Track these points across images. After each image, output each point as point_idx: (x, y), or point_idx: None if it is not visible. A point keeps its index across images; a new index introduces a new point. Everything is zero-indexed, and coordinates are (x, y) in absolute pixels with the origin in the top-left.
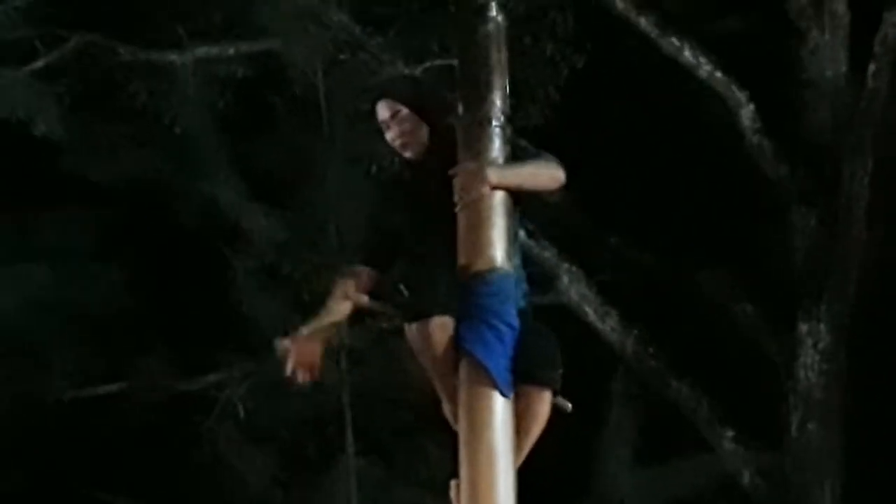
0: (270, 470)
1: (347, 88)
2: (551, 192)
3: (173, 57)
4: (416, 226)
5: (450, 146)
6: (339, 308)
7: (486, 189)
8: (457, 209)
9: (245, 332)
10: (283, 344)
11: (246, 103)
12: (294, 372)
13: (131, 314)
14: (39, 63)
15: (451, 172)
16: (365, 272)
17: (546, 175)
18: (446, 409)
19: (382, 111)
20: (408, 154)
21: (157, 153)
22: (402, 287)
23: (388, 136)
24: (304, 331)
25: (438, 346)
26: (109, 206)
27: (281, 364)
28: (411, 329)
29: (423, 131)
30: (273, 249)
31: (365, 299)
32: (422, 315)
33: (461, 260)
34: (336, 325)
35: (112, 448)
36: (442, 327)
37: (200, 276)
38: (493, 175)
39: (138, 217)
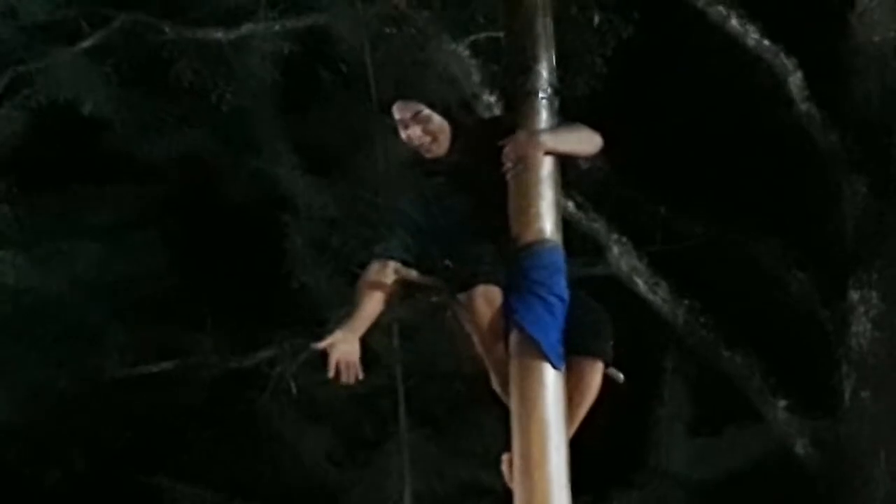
0: (324, 446)
1: (395, 63)
2: (588, 158)
3: (219, 34)
4: (455, 206)
5: (475, 140)
6: (373, 301)
7: (540, 155)
8: (509, 176)
9: (297, 307)
10: (321, 345)
11: (293, 79)
12: (337, 372)
13: (183, 292)
14: (86, 43)
15: (502, 142)
16: (393, 263)
17: (589, 140)
18: (494, 381)
19: (402, 111)
20: (428, 154)
21: (205, 131)
22: (447, 261)
23: (406, 134)
24: (341, 330)
25: (483, 316)
26: (159, 184)
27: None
28: (457, 300)
29: (447, 130)
30: (324, 224)
31: (414, 274)
32: (466, 286)
33: (510, 232)
34: (373, 318)
35: (165, 426)
36: (486, 297)
37: (251, 252)
38: (547, 140)
39: (188, 194)
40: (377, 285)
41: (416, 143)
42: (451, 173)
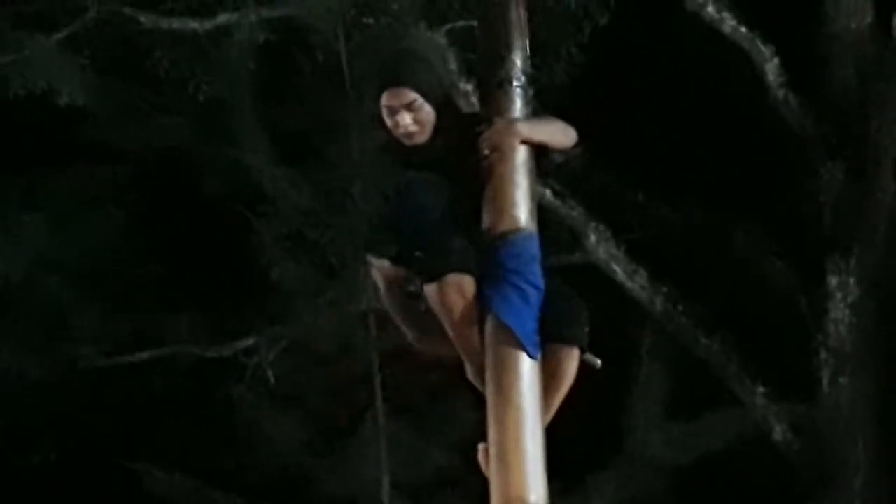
0: (301, 435)
1: (370, 52)
2: (566, 151)
3: (195, 24)
4: (429, 195)
5: (455, 131)
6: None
7: (517, 142)
8: (485, 164)
9: (273, 297)
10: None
11: (269, 69)
12: None
13: (159, 281)
14: (62, 34)
15: (479, 129)
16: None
17: (565, 133)
18: (469, 370)
19: (394, 98)
20: (410, 142)
21: (181, 121)
22: (417, 252)
23: (394, 121)
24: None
25: (456, 305)
26: (136, 174)
27: None
28: (428, 290)
29: (433, 120)
30: (299, 214)
31: (385, 264)
32: (437, 275)
33: (485, 222)
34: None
35: (142, 416)
36: (457, 286)
37: (227, 242)
38: (524, 128)
39: (164, 184)
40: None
41: (402, 131)
42: (427, 163)
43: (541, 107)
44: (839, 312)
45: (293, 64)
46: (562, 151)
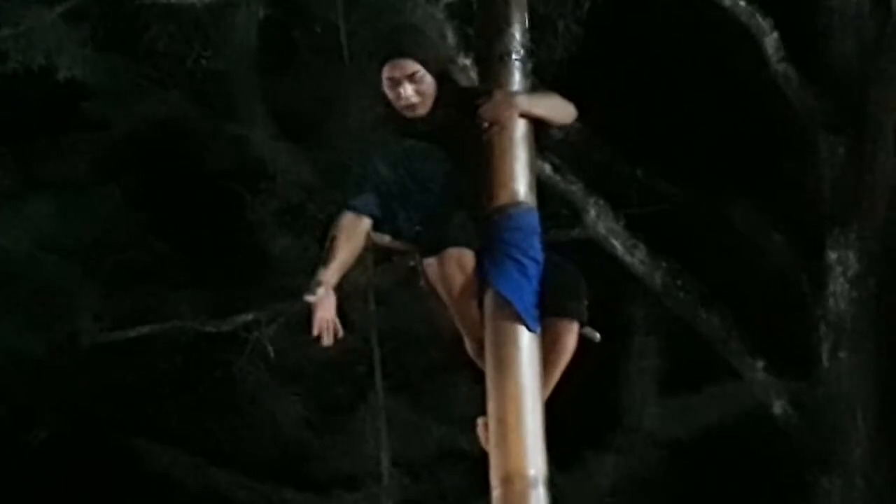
0: (300, 411)
1: (369, 27)
2: (564, 127)
3: None
4: (426, 168)
5: (455, 104)
6: (348, 252)
7: (516, 115)
8: (484, 137)
9: (273, 272)
10: (311, 298)
11: (268, 44)
12: (319, 333)
13: (160, 256)
14: (61, 8)
15: (479, 102)
16: (366, 221)
17: (564, 108)
18: (468, 344)
19: (401, 68)
20: (411, 113)
21: (180, 96)
22: (416, 225)
23: (397, 92)
24: (321, 287)
25: (455, 279)
26: (135, 149)
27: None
28: (427, 263)
29: (434, 92)
30: (299, 190)
31: (386, 238)
32: (436, 249)
33: (484, 195)
34: (346, 270)
35: (142, 390)
36: (456, 259)
37: (227, 217)
38: (523, 101)
39: (164, 160)
40: (350, 237)
41: (404, 102)
42: (426, 135)
43: (539, 82)
44: (839, 286)
45: (293, 38)
46: (561, 127)
